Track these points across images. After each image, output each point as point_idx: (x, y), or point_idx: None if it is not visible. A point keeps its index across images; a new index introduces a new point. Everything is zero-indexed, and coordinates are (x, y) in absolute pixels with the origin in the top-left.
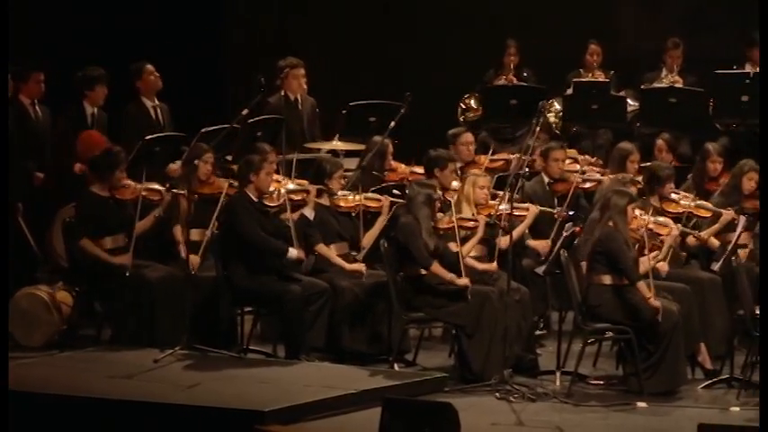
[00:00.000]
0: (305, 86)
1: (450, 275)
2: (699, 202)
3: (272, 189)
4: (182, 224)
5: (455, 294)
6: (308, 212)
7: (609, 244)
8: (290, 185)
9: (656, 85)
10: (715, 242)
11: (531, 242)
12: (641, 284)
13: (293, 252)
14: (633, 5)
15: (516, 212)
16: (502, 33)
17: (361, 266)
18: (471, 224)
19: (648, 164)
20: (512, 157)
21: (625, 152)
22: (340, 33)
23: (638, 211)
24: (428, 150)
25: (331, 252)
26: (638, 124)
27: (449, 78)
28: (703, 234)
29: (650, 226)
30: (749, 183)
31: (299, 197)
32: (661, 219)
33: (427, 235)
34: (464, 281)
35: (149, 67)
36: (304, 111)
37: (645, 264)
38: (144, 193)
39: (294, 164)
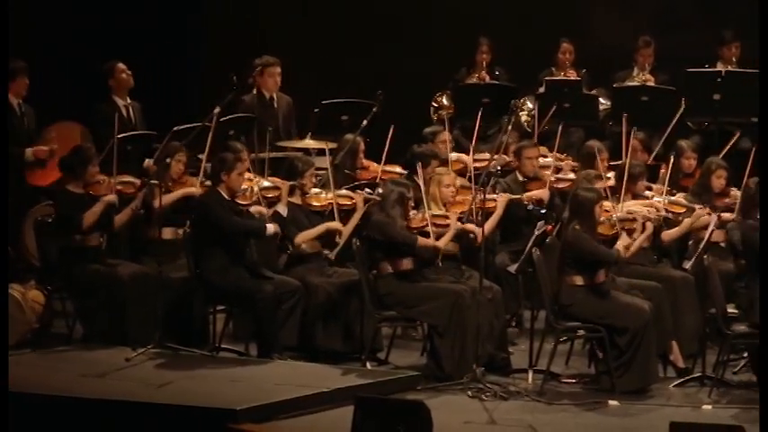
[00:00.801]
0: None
1: (434, 242)
2: (672, 198)
3: (244, 187)
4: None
5: (428, 294)
6: (282, 209)
7: (577, 246)
8: (264, 183)
9: (627, 83)
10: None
11: (529, 194)
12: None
13: (271, 227)
14: (605, 4)
15: (487, 205)
16: (475, 31)
17: (337, 224)
18: (444, 221)
19: (620, 162)
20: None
21: (593, 150)
22: (315, 32)
23: (608, 203)
24: (412, 146)
25: (310, 232)
26: (610, 123)
27: (421, 76)
28: (675, 231)
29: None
30: (718, 181)
31: (271, 194)
32: (633, 208)
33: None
34: (445, 240)
35: (121, 65)
36: (279, 109)
37: (629, 247)
38: (119, 187)
39: (267, 162)
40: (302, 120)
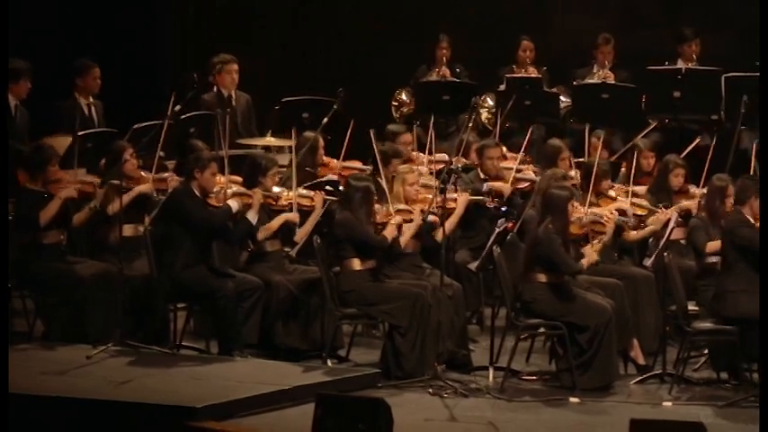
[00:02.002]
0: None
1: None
2: (635, 199)
3: (216, 189)
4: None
5: (389, 293)
6: (252, 216)
7: (546, 246)
8: (235, 188)
9: (588, 80)
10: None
11: (490, 184)
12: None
13: (234, 204)
14: (566, 2)
15: (447, 205)
16: (435, 28)
17: (294, 216)
18: (409, 216)
19: (584, 160)
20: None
21: (556, 149)
22: (275, 30)
23: (576, 203)
24: (373, 145)
25: (270, 226)
26: (571, 120)
27: (382, 74)
28: (638, 233)
29: (594, 210)
30: (676, 179)
31: (244, 200)
32: (599, 211)
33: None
34: (410, 234)
35: (97, 70)
36: (238, 107)
37: (590, 254)
38: (78, 186)
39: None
40: (263, 117)
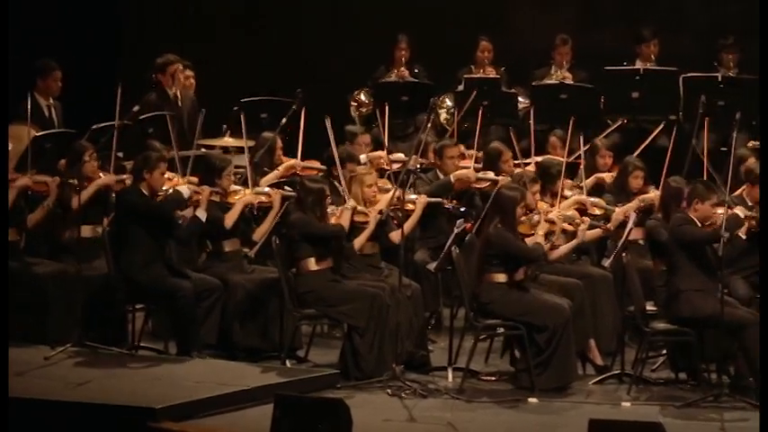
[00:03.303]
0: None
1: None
2: (593, 199)
3: (166, 188)
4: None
5: (347, 294)
6: (201, 214)
7: (498, 243)
8: (185, 187)
9: (546, 81)
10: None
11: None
12: (553, 253)
13: (185, 189)
14: (525, 2)
15: (406, 206)
16: (394, 29)
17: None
18: (363, 218)
19: (540, 160)
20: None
21: (496, 152)
22: (231, 30)
23: (545, 205)
24: (329, 148)
25: (232, 213)
26: (529, 121)
27: (340, 74)
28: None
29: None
30: (635, 181)
31: (193, 198)
32: (569, 213)
33: None
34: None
35: (58, 72)
36: (184, 107)
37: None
38: (32, 185)
39: (178, 160)
40: (221, 118)
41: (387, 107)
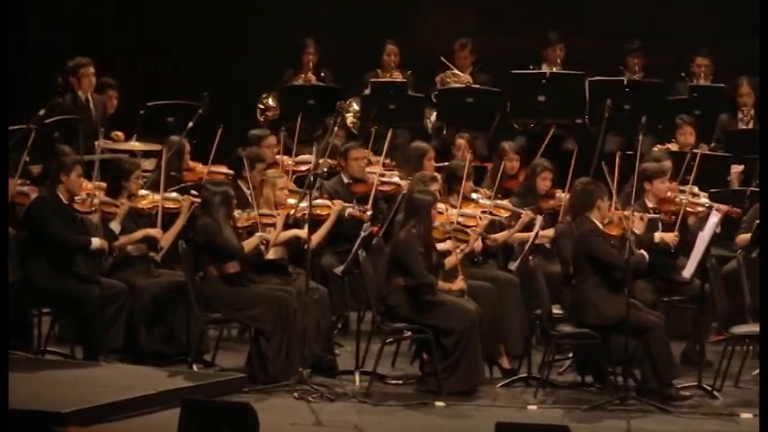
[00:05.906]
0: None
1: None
2: (498, 201)
3: (84, 195)
4: None
5: (254, 298)
6: (115, 227)
7: (406, 251)
8: (104, 197)
9: (452, 85)
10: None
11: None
12: (440, 284)
13: (96, 241)
14: (431, 5)
15: (321, 210)
16: (301, 32)
17: (157, 231)
18: (271, 220)
19: (447, 163)
20: (318, 161)
21: (421, 151)
22: (140, 33)
23: (441, 206)
24: (237, 149)
25: (130, 237)
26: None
27: (247, 78)
28: (500, 236)
29: (459, 219)
30: (543, 183)
31: (110, 210)
32: (468, 211)
33: (228, 234)
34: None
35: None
36: (96, 110)
37: (452, 259)
38: None
39: (83, 162)
40: (128, 121)
41: (298, 112)
